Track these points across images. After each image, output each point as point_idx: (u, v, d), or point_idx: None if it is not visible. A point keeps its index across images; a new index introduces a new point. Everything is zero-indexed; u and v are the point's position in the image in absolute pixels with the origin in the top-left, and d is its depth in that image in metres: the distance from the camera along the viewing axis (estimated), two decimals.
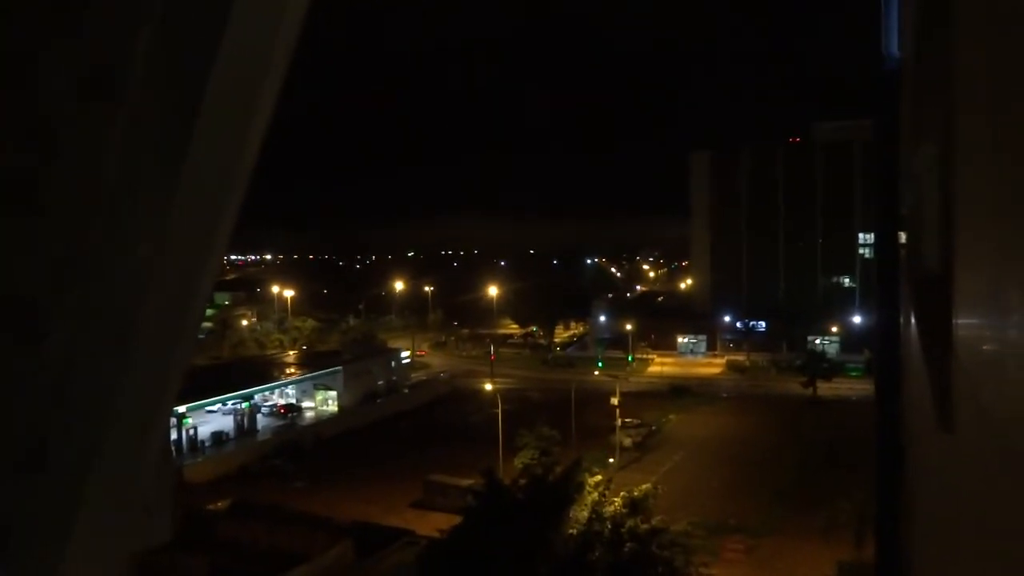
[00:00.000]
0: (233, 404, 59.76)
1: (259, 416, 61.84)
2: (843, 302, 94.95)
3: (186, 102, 1.26)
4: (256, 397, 62.47)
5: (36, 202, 1.24)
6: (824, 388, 70.00)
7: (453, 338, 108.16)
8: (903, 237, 2.72)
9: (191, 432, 54.35)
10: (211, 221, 1.36)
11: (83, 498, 1.31)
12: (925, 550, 2.20)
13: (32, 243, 1.25)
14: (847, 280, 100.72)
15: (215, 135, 1.29)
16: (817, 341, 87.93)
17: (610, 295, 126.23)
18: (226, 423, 58.54)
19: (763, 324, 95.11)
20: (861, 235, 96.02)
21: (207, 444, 55.61)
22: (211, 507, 36.71)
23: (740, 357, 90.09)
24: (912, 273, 2.23)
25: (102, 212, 1.26)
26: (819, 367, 71.69)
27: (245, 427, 59.38)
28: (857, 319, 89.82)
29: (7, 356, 1.28)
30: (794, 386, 71.97)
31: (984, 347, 1.27)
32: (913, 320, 2.12)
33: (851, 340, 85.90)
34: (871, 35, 2.96)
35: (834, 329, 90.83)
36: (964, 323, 1.45)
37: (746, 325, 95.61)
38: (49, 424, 1.29)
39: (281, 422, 62.66)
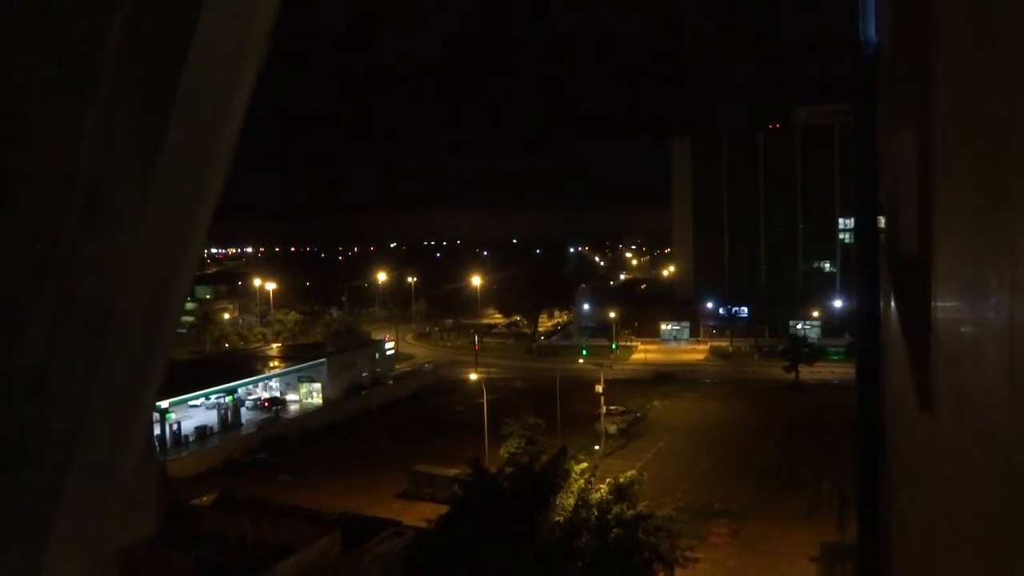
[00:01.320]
0: (217, 398, 59.42)
1: (243, 410, 61.54)
2: (824, 287, 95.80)
3: (161, 94, 1.24)
4: (240, 391, 62.15)
5: (9, 197, 1.22)
6: (806, 372, 70.65)
7: (437, 328, 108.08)
8: (882, 222, 2.74)
9: (174, 427, 54.02)
10: (189, 214, 1.34)
11: (66, 493, 1.30)
12: (906, 529, 2.23)
13: (6, 238, 1.23)
14: (827, 265, 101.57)
15: (191, 127, 1.28)
16: (799, 326, 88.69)
17: (593, 283, 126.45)
18: (210, 417, 58.21)
19: (745, 310, 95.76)
20: (841, 220, 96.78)
21: (191, 439, 55.29)
22: (196, 501, 36.53)
23: (723, 343, 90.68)
24: (891, 257, 2.25)
25: (78, 206, 1.24)
26: (801, 352, 72.30)
27: (229, 421, 59.10)
28: (838, 303, 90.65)
29: None
30: (776, 371, 72.59)
31: (963, 329, 1.28)
32: (893, 304, 2.14)
33: (832, 324, 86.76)
34: (849, 21, 2.97)
35: (815, 314, 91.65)
36: (943, 306, 1.46)
37: (728, 311, 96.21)
38: (30, 419, 1.28)
39: (265, 415, 62.39)
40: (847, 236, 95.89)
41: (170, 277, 1.36)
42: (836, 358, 75.67)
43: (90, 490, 1.33)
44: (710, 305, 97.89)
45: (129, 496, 1.45)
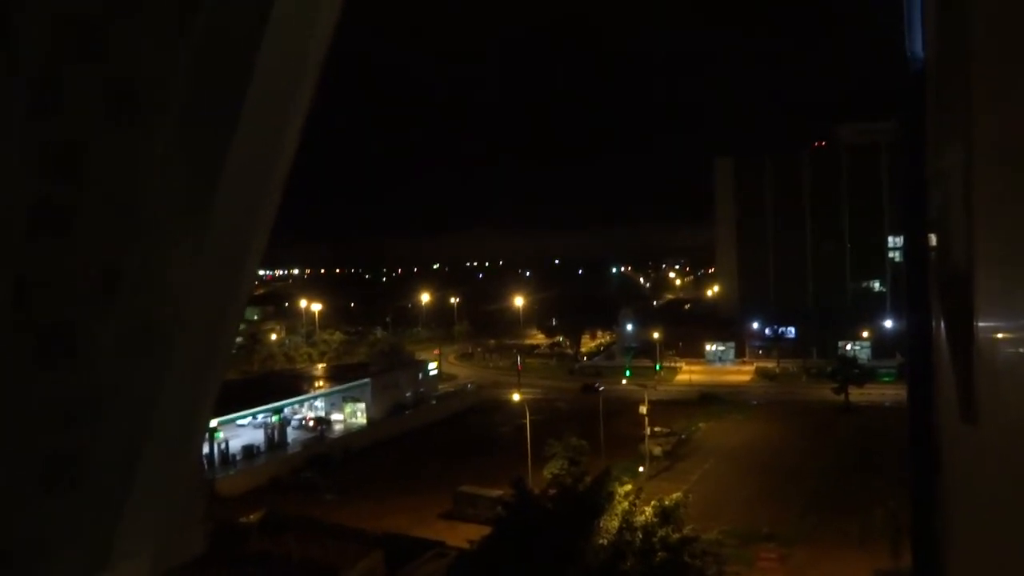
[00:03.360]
0: (263, 418, 60.26)
1: (289, 429, 62.28)
2: (874, 306, 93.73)
3: (221, 123, 1.28)
4: (286, 410, 62.94)
5: (70, 225, 1.26)
6: (856, 394, 69.02)
7: (480, 349, 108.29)
8: (933, 239, 2.68)
9: (222, 446, 54.89)
10: (245, 241, 1.38)
11: (122, 513, 1.34)
12: (961, 556, 2.17)
13: (68, 265, 1.28)
14: (877, 284, 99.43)
15: (249, 156, 1.31)
16: (848, 346, 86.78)
17: (636, 304, 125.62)
18: (257, 437, 59.03)
19: (792, 330, 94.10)
20: (891, 238, 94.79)
21: (238, 457, 56.10)
22: (243, 520, 36.97)
23: (769, 364, 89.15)
24: (941, 275, 2.20)
25: (138, 233, 1.29)
26: (850, 373, 70.68)
27: (275, 440, 59.84)
28: (888, 323, 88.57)
29: (46, 376, 1.31)
30: (825, 392, 71.04)
31: (1011, 349, 1.25)
32: (943, 323, 2.10)
33: (883, 345, 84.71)
34: (895, 36, 2.93)
35: (865, 334, 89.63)
36: (984, 325, 1.44)
37: (775, 331, 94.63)
38: (90, 441, 1.32)
39: (311, 435, 63.05)
40: (897, 255, 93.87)
41: (226, 303, 1.40)
42: (887, 379, 73.77)
43: (145, 510, 1.37)
44: (756, 325, 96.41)
45: (180, 514, 1.48)
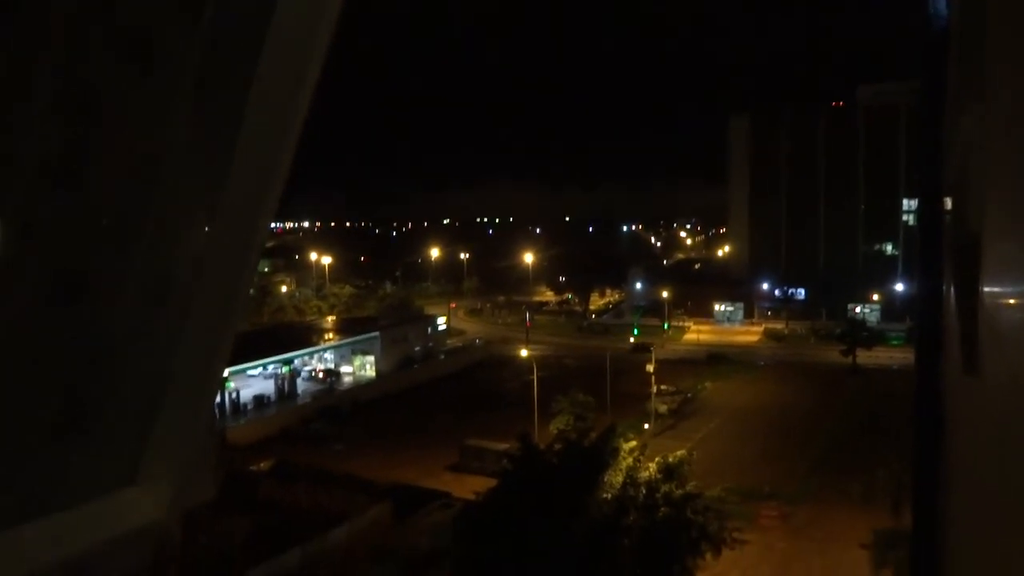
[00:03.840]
0: (274, 368, 60.95)
1: (299, 380, 63.02)
2: (885, 269, 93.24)
3: (238, 76, 1.29)
4: (296, 362, 63.61)
5: (88, 178, 1.28)
6: (864, 357, 69.08)
7: (489, 305, 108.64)
8: (949, 204, 2.66)
9: (233, 395, 55.63)
10: (259, 202, 1.40)
11: (137, 455, 1.38)
12: (961, 518, 2.19)
13: (84, 217, 1.30)
14: (890, 247, 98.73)
15: (265, 109, 1.32)
16: (857, 309, 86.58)
17: (646, 262, 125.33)
18: (267, 387, 59.78)
19: (802, 292, 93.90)
20: (906, 201, 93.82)
21: (249, 407, 56.90)
22: (253, 468, 37.62)
23: (778, 325, 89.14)
24: (956, 240, 2.19)
25: (156, 185, 1.31)
26: (859, 335, 70.68)
27: (285, 391, 60.62)
28: (899, 287, 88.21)
29: (65, 325, 1.34)
30: (833, 354, 71.14)
31: (1006, 312, 1.25)
32: (954, 288, 2.09)
33: (893, 308, 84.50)
34: None
35: (875, 297, 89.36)
36: (990, 290, 1.44)
37: (784, 293, 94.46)
38: (109, 388, 1.36)
39: (320, 387, 63.77)
40: (911, 218, 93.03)
41: (241, 256, 1.42)
42: (896, 343, 73.72)
43: (161, 454, 1.42)
44: (765, 286, 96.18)
45: (193, 459, 1.52)
